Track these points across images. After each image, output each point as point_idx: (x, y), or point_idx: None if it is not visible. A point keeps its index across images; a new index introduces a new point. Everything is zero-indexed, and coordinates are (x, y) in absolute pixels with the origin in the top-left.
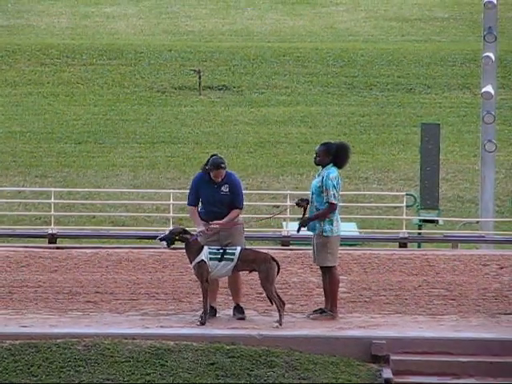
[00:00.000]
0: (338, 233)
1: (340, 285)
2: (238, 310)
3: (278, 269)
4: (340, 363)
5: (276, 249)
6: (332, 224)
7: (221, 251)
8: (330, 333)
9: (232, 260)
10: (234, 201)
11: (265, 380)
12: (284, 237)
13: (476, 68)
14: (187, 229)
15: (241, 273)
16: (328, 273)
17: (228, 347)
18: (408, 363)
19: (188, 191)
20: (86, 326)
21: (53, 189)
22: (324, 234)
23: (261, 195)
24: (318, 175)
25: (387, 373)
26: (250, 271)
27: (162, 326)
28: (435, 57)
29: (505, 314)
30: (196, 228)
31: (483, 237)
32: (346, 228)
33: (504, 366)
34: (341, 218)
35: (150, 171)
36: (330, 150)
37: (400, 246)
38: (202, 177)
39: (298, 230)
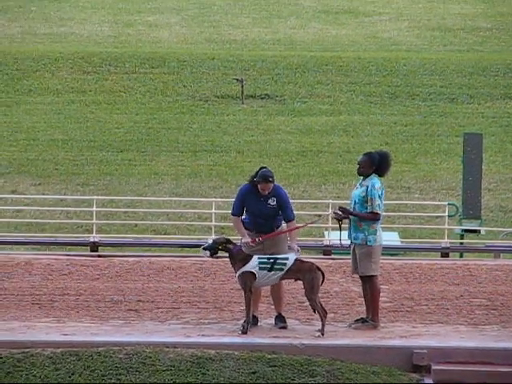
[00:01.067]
0: (381, 242)
1: (381, 294)
2: (280, 319)
3: (323, 278)
4: (381, 373)
5: (317, 258)
6: (375, 234)
7: (271, 261)
8: (372, 342)
9: (282, 270)
10: (285, 214)
11: None
12: (326, 246)
13: None
14: (230, 238)
15: (283, 282)
16: (369, 282)
17: (269, 356)
18: (449, 373)
19: (233, 200)
20: (128, 334)
21: (95, 197)
22: (368, 243)
23: (303, 204)
24: (360, 185)
25: (428, 382)
26: (296, 280)
27: (203, 335)
28: (478, 67)
29: None
30: (240, 238)
31: None
32: (388, 237)
33: None
34: (383, 228)
35: (191, 180)
36: (373, 161)
37: (442, 256)
38: (248, 188)
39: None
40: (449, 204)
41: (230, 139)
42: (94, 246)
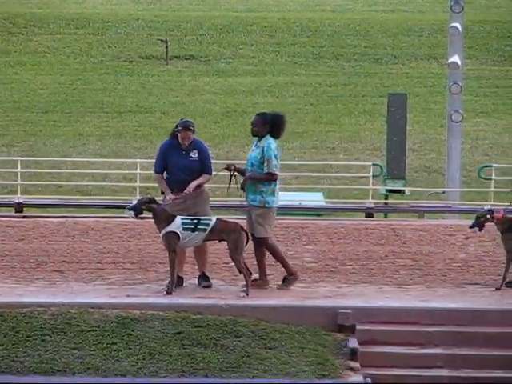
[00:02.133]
0: (277, 204)
1: (306, 255)
2: (204, 279)
3: (247, 239)
4: (306, 333)
5: (242, 218)
6: (274, 195)
7: (195, 221)
8: (296, 302)
9: (205, 230)
10: (203, 167)
11: (231, 349)
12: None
13: (443, 38)
14: (155, 198)
15: (208, 242)
16: (264, 244)
17: (194, 317)
18: (374, 333)
19: (155, 159)
20: (53, 295)
21: (19, 158)
22: (267, 205)
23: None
24: (256, 146)
25: (353, 342)
26: (220, 241)
27: (128, 296)
28: (402, 27)
29: (470, 283)
30: (164, 196)
31: (449, 207)
32: (313, 198)
33: (470, 336)
34: (308, 188)
35: (116, 140)
36: (266, 120)
37: (366, 216)
38: (169, 143)
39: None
40: (373, 164)
41: (154, 100)
42: (19, 207)
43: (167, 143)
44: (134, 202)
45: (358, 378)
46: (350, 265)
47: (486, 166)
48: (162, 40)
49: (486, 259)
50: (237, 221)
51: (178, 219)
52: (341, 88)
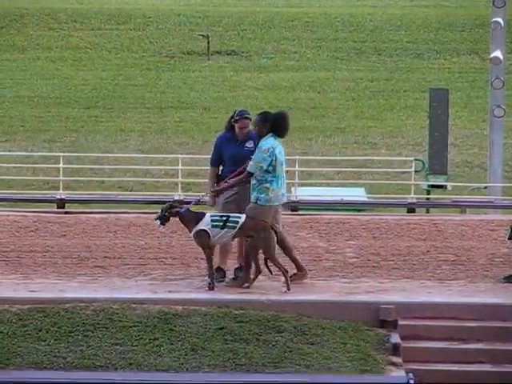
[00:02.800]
0: (274, 203)
1: (348, 250)
2: (242, 270)
3: (277, 238)
4: (348, 328)
5: (284, 214)
6: (268, 194)
7: (224, 218)
8: (339, 298)
9: (234, 228)
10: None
11: (273, 345)
12: (292, 202)
13: (485, 33)
14: (177, 199)
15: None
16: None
17: (236, 312)
18: (416, 328)
19: (199, 157)
20: (95, 290)
21: (61, 154)
22: (259, 202)
23: None
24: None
25: (395, 338)
26: (249, 237)
27: (170, 291)
28: (444, 22)
29: None
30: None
31: (491, 202)
32: (355, 193)
33: None
34: (350, 183)
35: (158, 136)
36: (266, 120)
37: (408, 212)
38: (225, 136)
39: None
40: (415, 159)
41: (196, 95)
42: (61, 203)
43: (222, 136)
44: (158, 212)
45: (400, 373)
46: (392, 260)
47: None
48: (203, 35)
49: None
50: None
51: (207, 217)
52: (382, 83)
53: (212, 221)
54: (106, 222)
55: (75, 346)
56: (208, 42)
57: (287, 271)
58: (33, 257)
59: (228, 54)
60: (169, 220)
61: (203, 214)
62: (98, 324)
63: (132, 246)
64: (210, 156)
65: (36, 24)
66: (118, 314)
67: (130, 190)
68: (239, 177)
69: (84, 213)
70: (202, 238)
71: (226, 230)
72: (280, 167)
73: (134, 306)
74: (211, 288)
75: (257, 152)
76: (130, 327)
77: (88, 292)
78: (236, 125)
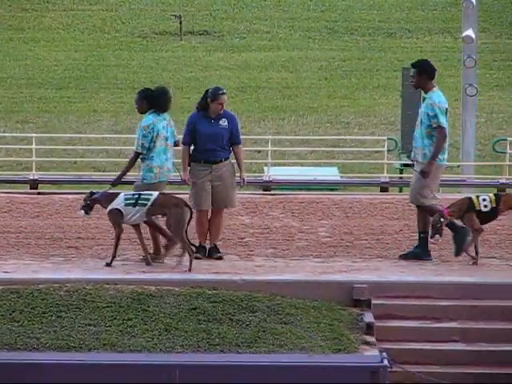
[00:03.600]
0: (161, 179)
1: (321, 229)
2: (216, 251)
3: (191, 215)
4: (322, 307)
5: (257, 193)
6: (152, 171)
7: (136, 196)
8: (312, 277)
9: (145, 205)
10: (234, 136)
11: (247, 324)
12: (265, 182)
13: (457, 12)
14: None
15: (224, 215)
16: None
17: (210, 292)
18: (389, 307)
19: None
20: (68, 271)
21: (34, 134)
22: (145, 181)
23: (242, 140)
24: None
25: (369, 317)
26: (163, 215)
27: (143, 272)
28: (416, 1)
29: (486, 257)
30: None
31: (464, 181)
32: (328, 172)
33: (485, 310)
34: (323, 163)
35: (131, 116)
36: (143, 96)
37: (381, 191)
38: (198, 114)
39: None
40: (388, 139)
41: (168, 75)
42: (34, 184)
43: (195, 114)
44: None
45: (374, 352)
46: (366, 239)
47: (501, 140)
48: (175, 16)
49: (501, 233)
50: (252, 196)
51: (121, 196)
52: (355, 62)
53: (125, 199)
54: (79, 203)
55: (49, 327)
56: (180, 23)
57: (194, 252)
58: (6, 238)
59: (200, 34)
60: (92, 208)
61: (117, 194)
62: (71, 305)
63: (105, 226)
64: (181, 136)
65: (8, 5)
66: (91, 294)
67: (103, 171)
68: (130, 159)
69: (57, 193)
70: (115, 216)
71: (137, 207)
72: (162, 142)
73: (108, 286)
74: (108, 265)
75: (138, 130)
76: (104, 308)
77: (61, 273)
78: (214, 102)
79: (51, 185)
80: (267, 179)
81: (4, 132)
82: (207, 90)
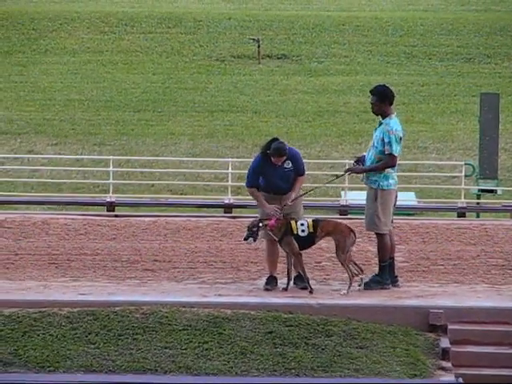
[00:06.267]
0: None
1: (398, 254)
2: (300, 279)
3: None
4: (398, 332)
5: (334, 218)
6: None
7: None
8: (388, 302)
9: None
10: (297, 170)
11: (322, 349)
12: (342, 206)
13: None
14: (259, 218)
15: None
16: None
17: (286, 316)
18: (465, 333)
19: (250, 160)
20: (144, 294)
21: (111, 157)
22: None
23: (319, 164)
24: None
25: (445, 342)
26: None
27: (219, 295)
28: (495, 26)
29: None
30: (261, 208)
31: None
32: (405, 197)
33: None
34: (400, 188)
35: (208, 140)
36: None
37: (458, 216)
38: (262, 159)
39: None
40: (465, 164)
41: (246, 99)
42: (111, 206)
43: (259, 159)
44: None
45: (450, 377)
46: (442, 264)
47: None
48: (253, 39)
49: None
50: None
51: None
52: (433, 87)
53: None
54: (156, 226)
55: (125, 350)
56: (258, 46)
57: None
58: (82, 260)
59: (278, 58)
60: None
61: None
62: (147, 327)
63: (181, 249)
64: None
65: (87, 27)
66: (167, 317)
67: (180, 194)
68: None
69: (134, 216)
70: (292, 244)
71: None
72: None
73: (184, 309)
74: (311, 292)
75: None
76: (180, 331)
77: (138, 295)
78: (274, 157)
79: (128, 207)
80: (344, 203)
81: (82, 154)
82: (273, 139)
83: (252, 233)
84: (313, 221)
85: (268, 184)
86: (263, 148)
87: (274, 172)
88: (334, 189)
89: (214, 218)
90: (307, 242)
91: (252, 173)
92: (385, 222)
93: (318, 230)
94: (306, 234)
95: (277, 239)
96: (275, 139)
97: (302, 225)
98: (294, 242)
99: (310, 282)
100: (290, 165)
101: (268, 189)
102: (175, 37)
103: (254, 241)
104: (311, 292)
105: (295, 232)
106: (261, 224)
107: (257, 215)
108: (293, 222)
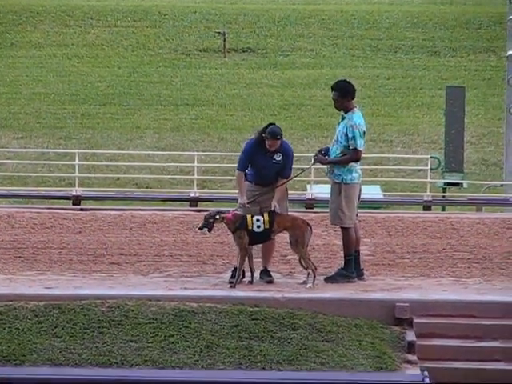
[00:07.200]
0: None
1: (363, 248)
2: (267, 273)
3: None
4: (363, 326)
5: (300, 211)
6: None
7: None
8: (354, 295)
9: None
10: (283, 171)
11: (288, 342)
12: (308, 199)
13: (502, 31)
14: (220, 209)
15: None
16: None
17: (251, 309)
18: (431, 326)
19: (214, 153)
20: (110, 287)
21: (77, 150)
22: None
23: None
24: None
25: (410, 335)
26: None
27: (185, 288)
28: (460, 19)
29: None
30: (238, 197)
31: (507, 200)
32: (371, 191)
33: None
34: (364, 181)
35: (174, 133)
36: None
37: (424, 209)
38: (255, 143)
39: None
40: (431, 157)
41: (212, 93)
42: (77, 200)
43: (252, 143)
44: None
45: (416, 370)
46: (408, 258)
47: None
48: (219, 33)
49: None
50: (296, 214)
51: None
52: (399, 81)
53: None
54: (122, 219)
55: (90, 343)
56: (224, 40)
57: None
58: (48, 253)
59: (244, 52)
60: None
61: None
62: (113, 321)
63: (147, 242)
64: (225, 153)
65: (52, 21)
66: (133, 310)
67: (146, 187)
68: None
69: (99, 209)
70: (242, 239)
71: None
72: None
73: (150, 302)
74: (233, 286)
75: None
76: (146, 324)
77: (104, 289)
78: (268, 140)
79: (94, 201)
80: (310, 197)
81: (47, 148)
82: (270, 124)
83: (208, 223)
84: (268, 216)
85: (254, 172)
86: (258, 132)
87: (263, 161)
88: (299, 182)
89: (179, 211)
90: (263, 237)
91: (244, 157)
92: (349, 215)
93: (275, 225)
94: (261, 229)
95: (231, 232)
96: (271, 123)
97: (258, 220)
98: (246, 237)
99: (275, 275)
100: (280, 158)
101: (252, 178)
102: (141, 30)
103: (209, 231)
104: (232, 287)
105: (250, 227)
106: (218, 216)
107: (216, 208)
108: (249, 217)
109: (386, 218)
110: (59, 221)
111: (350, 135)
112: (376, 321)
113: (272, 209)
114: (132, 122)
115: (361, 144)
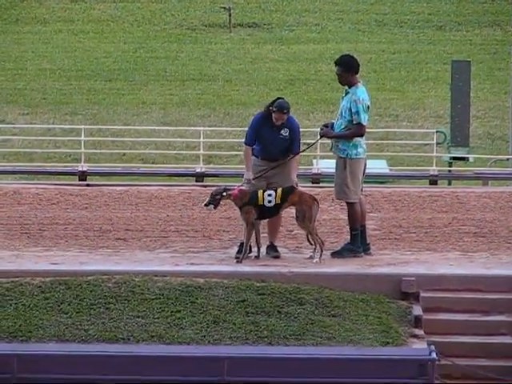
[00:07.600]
0: None
1: (370, 222)
2: (273, 249)
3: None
4: (370, 300)
5: (306, 186)
6: None
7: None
8: (360, 270)
9: None
10: (293, 146)
11: (295, 317)
12: (314, 174)
13: (507, 5)
14: (226, 186)
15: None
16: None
17: (258, 284)
18: (438, 300)
19: (220, 129)
20: (117, 263)
21: (83, 126)
22: None
23: None
24: None
25: (417, 310)
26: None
27: (192, 264)
28: None
29: None
30: (245, 172)
31: None
32: (377, 165)
33: None
34: (370, 155)
35: (180, 109)
36: None
37: (430, 184)
38: (263, 117)
39: None
40: (437, 131)
41: (217, 68)
42: (83, 175)
43: (260, 117)
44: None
45: (422, 345)
46: (414, 232)
47: None
48: (225, 8)
49: None
50: (303, 189)
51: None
52: (404, 55)
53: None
54: (128, 195)
55: (97, 319)
56: (230, 15)
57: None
58: (54, 229)
59: (249, 27)
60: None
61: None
62: (119, 296)
63: (154, 218)
64: (231, 128)
65: None
66: (139, 286)
67: (152, 163)
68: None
69: (106, 185)
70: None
71: None
72: None
73: (156, 278)
74: (239, 261)
75: None
76: (152, 300)
77: (110, 264)
78: (275, 113)
79: (100, 176)
80: (316, 172)
81: (53, 124)
82: (279, 98)
83: (214, 200)
84: (282, 191)
85: (261, 148)
86: (266, 105)
87: (270, 135)
88: (305, 157)
89: (185, 186)
90: (272, 211)
91: (251, 131)
92: (354, 190)
93: (285, 201)
94: (272, 204)
95: (238, 207)
96: (280, 98)
97: (270, 195)
98: (254, 212)
99: (282, 250)
100: (287, 133)
101: (259, 153)
102: (146, 6)
103: (215, 208)
104: (239, 262)
105: (261, 202)
106: (224, 193)
107: (223, 185)
108: (260, 192)
109: (392, 192)
110: (65, 197)
111: (353, 110)
112: (382, 295)
113: (294, 184)
114: (138, 97)
115: (365, 118)
